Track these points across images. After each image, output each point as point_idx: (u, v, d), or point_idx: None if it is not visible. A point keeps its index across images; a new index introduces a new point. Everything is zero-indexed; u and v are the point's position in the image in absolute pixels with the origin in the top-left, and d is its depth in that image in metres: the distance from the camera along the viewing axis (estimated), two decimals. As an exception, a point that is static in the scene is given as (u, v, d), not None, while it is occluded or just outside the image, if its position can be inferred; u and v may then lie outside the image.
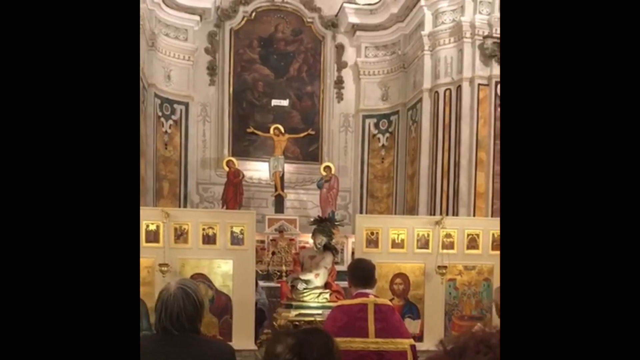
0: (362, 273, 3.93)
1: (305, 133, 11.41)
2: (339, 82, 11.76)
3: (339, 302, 4.11)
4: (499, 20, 8.82)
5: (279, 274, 9.20)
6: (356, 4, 11.39)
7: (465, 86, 9.29)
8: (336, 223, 6.47)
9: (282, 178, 10.88)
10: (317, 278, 5.28)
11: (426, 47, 9.85)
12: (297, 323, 5.13)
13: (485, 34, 9.08)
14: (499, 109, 9.01)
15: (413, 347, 3.79)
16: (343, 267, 8.88)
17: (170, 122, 10.69)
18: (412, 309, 5.71)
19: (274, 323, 5.50)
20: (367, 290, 3.84)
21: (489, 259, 5.80)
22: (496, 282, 5.40)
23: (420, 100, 10.07)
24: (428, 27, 9.83)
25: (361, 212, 10.83)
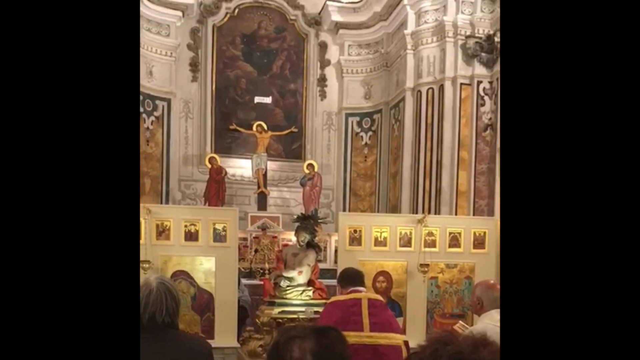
0: (352, 275, 4.03)
1: (288, 131, 11.39)
2: (322, 80, 11.75)
3: (333, 299, 4.12)
4: (483, 20, 8.92)
5: (261, 271, 9.18)
6: (339, 2, 11.38)
7: (448, 85, 9.34)
8: (319, 221, 6.48)
9: (264, 175, 10.85)
10: (300, 275, 5.29)
11: (409, 46, 9.89)
12: (279, 320, 5.13)
13: (468, 33, 9.14)
14: (481, 109, 9.09)
15: (407, 343, 3.82)
16: (326, 265, 8.93)
17: (152, 118, 10.59)
18: (395, 307, 5.74)
19: (257, 320, 5.50)
20: (360, 288, 3.89)
21: (471, 257, 5.86)
22: (477, 280, 5.45)
23: (403, 99, 10.11)
24: (411, 26, 9.86)
25: (344, 210, 10.84)
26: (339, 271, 4.54)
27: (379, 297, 4.09)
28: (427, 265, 5.63)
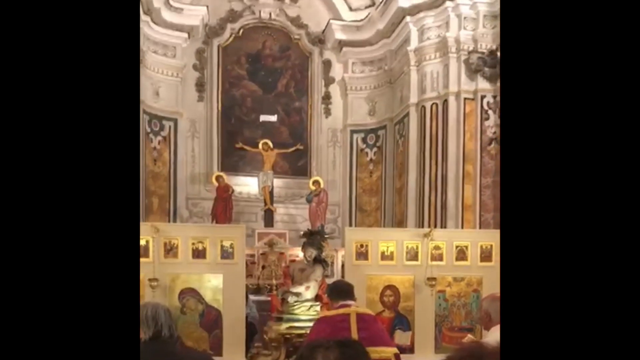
0: (341, 288, 4.02)
1: (294, 148, 11.46)
2: (327, 98, 11.84)
3: (321, 314, 4.14)
4: (486, 35, 9.00)
5: (269, 287, 9.18)
6: (343, 20, 11.52)
7: (452, 100, 9.41)
8: (326, 236, 6.50)
9: (271, 193, 10.89)
10: (307, 291, 5.30)
11: (412, 62, 9.97)
12: (287, 336, 5.14)
13: (470, 49, 9.22)
14: (485, 123, 9.13)
15: (397, 355, 3.80)
16: (333, 280, 8.90)
17: (159, 138, 10.69)
18: (403, 321, 5.74)
19: (265, 336, 5.51)
20: (349, 302, 3.88)
21: (478, 270, 5.85)
22: (485, 293, 5.44)
23: (407, 114, 10.17)
24: (414, 43, 9.96)
25: (350, 226, 10.84)
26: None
27: (368, 310, 4.09)
28: (435, 278, 5.63)
